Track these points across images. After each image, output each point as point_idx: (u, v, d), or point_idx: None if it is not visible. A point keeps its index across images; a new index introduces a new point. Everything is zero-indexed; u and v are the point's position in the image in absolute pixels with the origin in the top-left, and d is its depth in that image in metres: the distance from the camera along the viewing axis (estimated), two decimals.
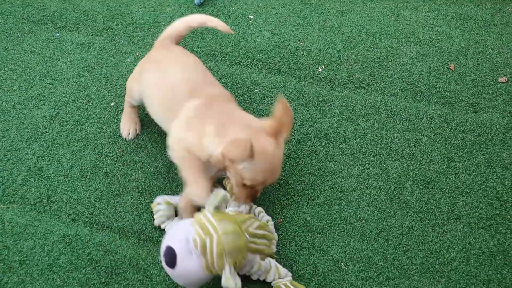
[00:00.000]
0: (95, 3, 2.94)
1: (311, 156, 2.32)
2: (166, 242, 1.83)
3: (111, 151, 2.33)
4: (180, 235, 1.82)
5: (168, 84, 2.11)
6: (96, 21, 2.85)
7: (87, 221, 2.12)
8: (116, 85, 2.56)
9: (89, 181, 2.24)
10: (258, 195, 2.01)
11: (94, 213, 2.15)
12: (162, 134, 2.33)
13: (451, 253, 2.04)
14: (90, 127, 2.40)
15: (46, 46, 2.72)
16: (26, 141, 2.35)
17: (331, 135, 2.38)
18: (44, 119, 2.42)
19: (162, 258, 1.83)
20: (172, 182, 2.24)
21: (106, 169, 2.27)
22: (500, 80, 2.58)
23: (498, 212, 2.15)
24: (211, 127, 1.93)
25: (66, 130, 2.39)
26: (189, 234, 1.80)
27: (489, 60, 2.67)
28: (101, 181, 2.24)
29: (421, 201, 2.17)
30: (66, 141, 2.35)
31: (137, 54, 2.69)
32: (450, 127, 2.41)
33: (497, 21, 2.83)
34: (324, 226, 2.11)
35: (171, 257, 1.80)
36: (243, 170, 1.87)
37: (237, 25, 2.84)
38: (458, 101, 2.50)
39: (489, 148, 2.33)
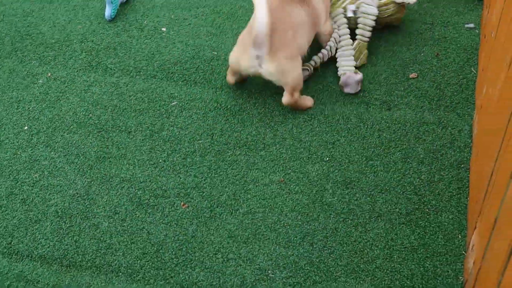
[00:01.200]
0: (2, 25, 2.91)
1: (232, 165, 2.34)
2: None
3: (27, 177, 2.31)
4: None
5: None
6: (4, 43, 2.82)
7: (5, 252, 2.10)
8: (29, 108, 2.54)
9: (5, 210, 2.21)
10: None
11: (12, 242, 2.12)
12: (79, 156, 2.33)
13: (375, 251, 2.09)
14: (3, 153, 2.38)
15: None
16: None
17: (251, 143, 2.41)
18: None
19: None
20: (93, 203, 2.24)
21: (23, 196, 2.25)
22: (411, 76, 2.65)
23: (417, 207, 2.21)
24: None
25: None
26: None
27: (400, 57, 2.74)
28: (18, 208, 2.22)
29: (342, 202, 2.21)
30: None
31: (49, 74, 2.67)
32: (366, 126, 2.46)
33: (403, 19, 2.91)
34: (249, 235, 2.13)
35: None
36: None
37: (150, 38, 2.84)
38: (373, 100, 2.56)
39: (405, 144, 2.39)
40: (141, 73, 2.69)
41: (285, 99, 2.46)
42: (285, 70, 2.40)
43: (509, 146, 1.66)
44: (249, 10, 2.96)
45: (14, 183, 2.29)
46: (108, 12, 2.88)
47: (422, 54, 2.75)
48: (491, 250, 1.76)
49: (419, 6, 2.97)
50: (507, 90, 1.82)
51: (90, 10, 3.00)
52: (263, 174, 2.31)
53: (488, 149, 1.99)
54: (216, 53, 2.77)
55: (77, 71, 2.69)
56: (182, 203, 2.23)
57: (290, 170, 2.32)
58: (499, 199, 1.73)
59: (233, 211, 2.21)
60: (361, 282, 2.02)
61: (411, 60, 2.73)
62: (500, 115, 1.86)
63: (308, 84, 2.60)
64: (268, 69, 2.39)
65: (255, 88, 2.61)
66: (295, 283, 2.02)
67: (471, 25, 2.88)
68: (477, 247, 1.96)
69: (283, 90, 2.48)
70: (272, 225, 2.16)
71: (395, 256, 2.08)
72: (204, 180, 2.29)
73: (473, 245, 2.02)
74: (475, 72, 2.66)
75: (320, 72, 2.67)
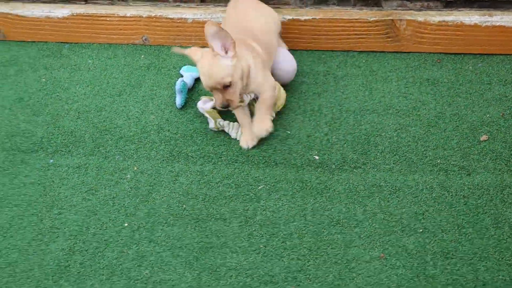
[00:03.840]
0: (79, 122, 2.98)
1: (331, 245, 2.40)
2: None
3: (138, 274, 2.36)
4: None
5: None
6: (85, 141, 2.89)
7: None
8: (124, 204, 2.60)
9: None
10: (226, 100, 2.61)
11: None
12: (183, 248, 2.39)
13: None
14: (111, 252, 2.43)
15: (43, 175, 2.74)
16: (52, 278, 2.36)
17: (344, 221, 2.48)
18: (63, 251, 2.45)
19: None
20: None
21: None
22: (482, 139, 2.73)
23: None
24: None
25: (88, 259, 2.41)
26: None
27: (466, 120, 2.82)
28: None
29: (445, 273, 2.27)
30: (91, 270, 2.37)
31: (136, 168, 2.74)
32: (450, 194, 2.54)
33: (461, 81, 3.00)
34: None
35: None
36: None
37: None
38: (450, 166, 2.64)
39: (492, 209, 2.47)
40: (222, 158, 2.77)
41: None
42: None
43: None
44: (310, 84, 3.06)
45: (127, 281, 2.33)
46: (178, 101, 2.99)
47: (488, 115, 2.84)
48: None
49: (474, 66, 3.08)
50: None
51: (159, 99, 3.09)
52: (363, 251, 2.37)
53: None
54: (289, 132, 2.85)
55: (160, 162, 2.76)
56: None
57: (387, 245, 2.39)
58: None
59: None
60: None
61: (478, 122, 2.81)
62: None
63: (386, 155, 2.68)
64: None
65: (335, 165, 2.70)
66: None
67: None
68: None
69: (365, 164, 2.59)
70: None
71: None
72: (308, 262, 2.35)
73: None
74: None
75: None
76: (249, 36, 2.81)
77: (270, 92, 2.75)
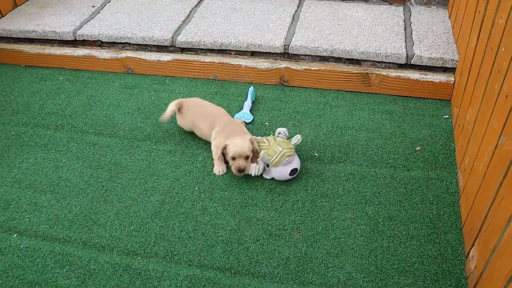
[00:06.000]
0: (172, 124, 3.01)
1: (321, 209, 2.41)
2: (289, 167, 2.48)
3: (202, 219, 2.38)
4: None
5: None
6: (175, 136, 2.92)
7: (198, 265, 2.17)
8: (196, 176, 2.64)
9: (193, 240, 2.29)
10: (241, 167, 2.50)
11: (200, 259, 2.19)
12: (230, 205, 2.41)
13: (406, 256, 2.15)
14: (186, 204, 2.48)
15: (149, 155, 2.79)
16: (150, 217, 2.42)
17: (330, 194, 2.49)
18: (157, 202, 2.50)
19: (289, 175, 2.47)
20: (242, 235, 2.30)
21: (202, 231, 2.32)
22: (417, 149, 2.72)
23: (433, 231, 2.26)
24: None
25: (172, 208, 2.46)
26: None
27: (408, 137, 2.82)
28: (200, 239, 2.29)
29: (389, 230, 2.28)
30: (174, 215, 2.43)
31: (205, 154, 2.77)
32: (396, 181, 2.53)
33: (407, 113, 2.99)
34: (338, 252, 2.20)
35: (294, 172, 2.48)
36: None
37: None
38: (397, 165, 2.63)
39: (420, 192, 2.46)
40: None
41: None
42: None
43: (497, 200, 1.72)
44: (314, 109, 3.06)
45: (195, 223, 2.38)
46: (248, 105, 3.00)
47: (421, 135, 2.83)
48: (493, 265, 1.80)
49: (415, 104, 3.04)
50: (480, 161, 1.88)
51: None
52: (340, 213, 2.39)
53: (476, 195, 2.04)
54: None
55: None
56: (296, 233, 2.30)
57: (356, 211, 2.39)
58: (497, 233, 1.79)
59: (327, 237, 2.28)
60: (407, 275, 2.07)
61: (415, 138, 2.80)
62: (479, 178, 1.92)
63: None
64: None
65: (327, 159, 2.68)
66: (369, 281, 2.09)
67: (446, 116, 2.95)
68: (477, 259, 1.99)
69: (346, 160, 2.57)
70: (352, 244, 2.23)
71: (412, 260, 2.13)
72: (306, 218, 2.37)
73: (473, 256, 2.06)
74: (454, 146, 2.72)
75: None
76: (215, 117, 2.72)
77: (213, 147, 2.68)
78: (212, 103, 2.88)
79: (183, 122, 2.83)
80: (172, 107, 2.78)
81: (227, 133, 2.59)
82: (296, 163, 2.50)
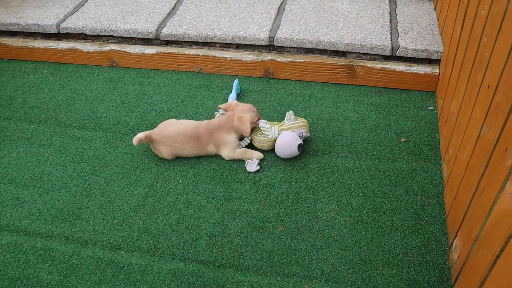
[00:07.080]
0: (157, 118, 2.96)
1: (306, 201, 2.39)
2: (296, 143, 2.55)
3: (186, 212, 2.36)
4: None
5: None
6: None
7: (182, 258, 2.14)
8: (180, 169, 2.60)
9: (176, 233, 2.26)
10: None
11: (183, 253, 2.17)
12: (214, 198, 2.38)
13: (389, 248, 2.14)
14: (169, 197, 2.45)
15: (133, 148, 2.75)
16: (133, 211, 2.39)
17: (315, 186, 2.47)
18: (141, 196, 2.47)
19: (297, 150, 2.54)
20: (226, 228, 2.27)
21: (186, 224, 2.30)
22: (402, 140, 2.71)
23: (417, 222, 2.25)
24: None
25: (156, 201, 2.44)
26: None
27: (393, 129, 2.80)
28: (184, 232, 2.26)
29: (374, 221, 2.27)
30: (158, 208, 2.40)
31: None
32: (381, 173, 2.52)
33: (392, 105, 2.97)
34: (323, 244, 2.18)
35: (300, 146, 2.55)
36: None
37: None
38: (382, 156, 2.62)
39: (405, 183, 2.45)
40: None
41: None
42: None
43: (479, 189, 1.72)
44: (300, 101, 3.04)
45: (179, 217, 2.35)
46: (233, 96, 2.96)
47: (406, 127, 2.81)
48: (475, 254, 1.80)
49: (400, 96, 3.03)
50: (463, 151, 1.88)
51: (206, 106, 3.06)
52: (325, 205, 2.37)
53: (459, 186, 2.03)
54: None
55: None
56: (280, 226, 2.28)
57: (340, 202, 2.38)
58: (479, 223, 1.78)
59: (311, 229, 2.26)
60: (391, 266, 2.06)
61: (400, 130, 2.79)
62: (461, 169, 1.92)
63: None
64: None
65: (312, 151, 2.67)
66: (353, 272, 2.08)
67: (431, 108, 2.94)
68: (460, 248, 1.99)
69: (330, 152, 2.55)
70: (336, 236, 2.22)
71: (396, 251, 2.12)
72: (290, 211, 2.35)
73: (456, 246, 2.06)
74: (439, 137, 2.72)
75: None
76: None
77: None
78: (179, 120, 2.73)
79: (163, 153, 2.62)
80: (139, 135, 2.57)
81: (225, 120, 2.62)
82: (301, 142, 2.58)
